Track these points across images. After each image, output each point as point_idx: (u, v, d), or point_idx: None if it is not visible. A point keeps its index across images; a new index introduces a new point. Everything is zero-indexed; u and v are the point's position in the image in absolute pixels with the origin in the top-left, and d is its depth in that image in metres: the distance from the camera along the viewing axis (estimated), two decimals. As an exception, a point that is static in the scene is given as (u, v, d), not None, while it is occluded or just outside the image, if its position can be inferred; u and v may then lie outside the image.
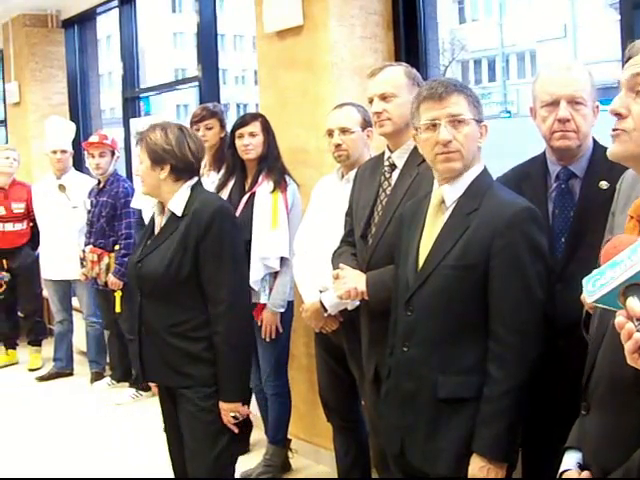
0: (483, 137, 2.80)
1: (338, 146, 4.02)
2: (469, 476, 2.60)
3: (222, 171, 4.92)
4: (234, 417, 3.36)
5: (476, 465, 2.60)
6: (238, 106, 46.27)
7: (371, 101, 3.51)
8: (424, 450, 2.72)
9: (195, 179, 3.46)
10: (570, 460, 2.16)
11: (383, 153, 3.60)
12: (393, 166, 3.49)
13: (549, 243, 2.78)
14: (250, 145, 4.61)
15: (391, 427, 2.88)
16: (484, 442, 2.59)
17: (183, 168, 3.40)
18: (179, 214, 3.38)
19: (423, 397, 2.71)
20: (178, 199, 3.40)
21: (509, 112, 37.13)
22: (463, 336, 2.66)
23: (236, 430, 3.39)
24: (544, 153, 3.09)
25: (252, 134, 4.63)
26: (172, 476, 3.61)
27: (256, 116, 4.77)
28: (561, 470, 2.17)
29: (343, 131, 4.01)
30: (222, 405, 3.34)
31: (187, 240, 3.31)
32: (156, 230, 3.49)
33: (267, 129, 4.69)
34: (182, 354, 3.36)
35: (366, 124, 4.04)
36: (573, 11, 42.79)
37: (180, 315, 3.36)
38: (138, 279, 3.46)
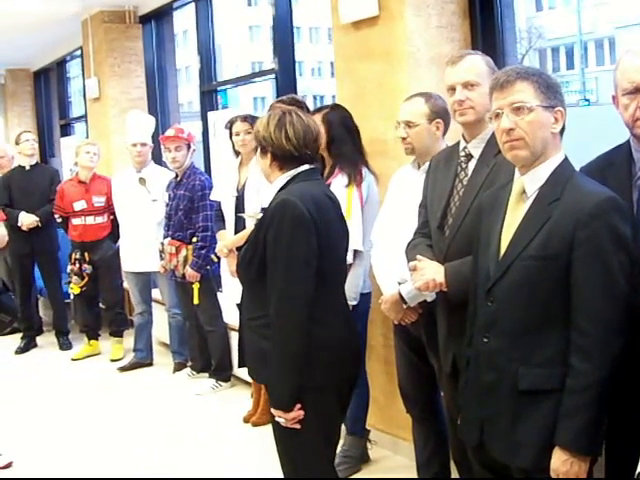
0: (558, 123, 2.73)
1: (404, 139, 4.02)
2: (552, 469, 2.57)
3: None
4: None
5: (559, 458, 2.56)
6: (315, 98, 46.39)
7: (452, 89, 3.45)
8: (505, 442, 2.69)
9: (301, 168, 3.29)
10: None
11: (457, 144, 3.56)
12: (469, 156, 3.45)
13: (634, 232, 2.69)
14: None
15: (470, 418, 2.86)
16: (568, 435, 2.54)
17: (282, 156, 3.26)
18: (265, 206, 3.30)
19: (504, 389, 2.68)
20: (272, 190, 3.30)
21: (588, 100, 36.44)
22: (545, 327, 2.62)
23: (289, 424, 3.15)
24: (629, 141, 2.99)
25: (328, 126, 4.63)
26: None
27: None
28: None
29: (407, 124, 4.00)
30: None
31: (258, 237, 3.18)
32: None
33: (343, 121, 4.68)
34: (255, 349, 3.29)
35: (434, 116, 3.99)
36: (654, -4, 41.84)
37: (257, 309, 3.24)
38: None
